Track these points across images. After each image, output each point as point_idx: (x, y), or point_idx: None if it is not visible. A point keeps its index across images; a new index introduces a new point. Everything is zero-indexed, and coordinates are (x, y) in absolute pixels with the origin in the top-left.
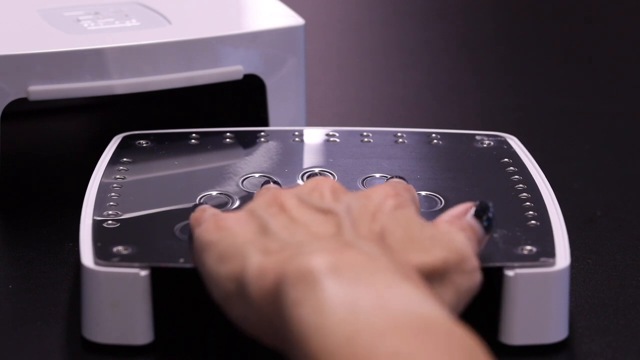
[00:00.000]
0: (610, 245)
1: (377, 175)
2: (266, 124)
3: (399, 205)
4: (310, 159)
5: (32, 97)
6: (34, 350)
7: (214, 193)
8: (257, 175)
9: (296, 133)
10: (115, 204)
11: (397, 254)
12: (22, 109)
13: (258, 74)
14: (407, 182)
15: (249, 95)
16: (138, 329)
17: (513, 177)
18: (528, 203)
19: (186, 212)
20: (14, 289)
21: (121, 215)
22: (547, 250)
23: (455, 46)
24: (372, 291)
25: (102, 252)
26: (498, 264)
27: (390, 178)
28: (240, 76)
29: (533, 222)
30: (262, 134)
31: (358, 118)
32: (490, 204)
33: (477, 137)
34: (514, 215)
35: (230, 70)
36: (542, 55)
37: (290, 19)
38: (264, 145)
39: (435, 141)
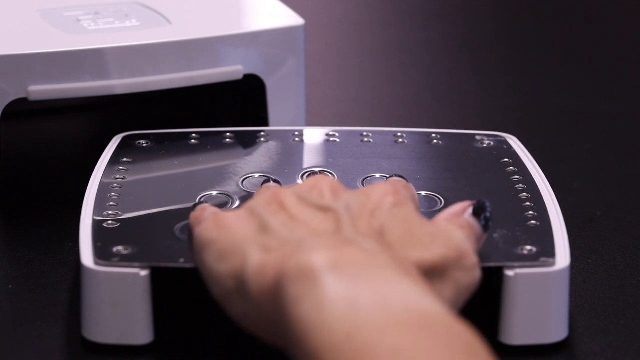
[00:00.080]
0: (610, 245)
1: (377, 175)
2: (266, 124)
3: (398, 202)
4: (310, 159)
5: (32, 97)
6: (34, 350)
7: (214, 193)
8: (257, 175)
9: (296, 133)
10: (115, 204)
11: (397, 251)
12: (22, 109)
13: (258, 74)
14: (406, 180)
15: (249, 95)
16: (138, 329)
17: (513, 177)
18: (528, 203)
19: (186, 212)
20: (14, 289)
21: (121, 215)
22: (547, 250)
23: (455, 46)
24: (372, 288)
25: (102, 252)
26: (498, 264)
27: (390, 177)
28: (240, 76)
29: (533, 222)
30: (262, 134)
31: (358, 118)
32: (488, 203)
33: (477, 137)
34: (514, 215)
35: (230, 70)
36: (542, 55)
37: (290, 19)
38: (264, 145)
39: (435, 141)
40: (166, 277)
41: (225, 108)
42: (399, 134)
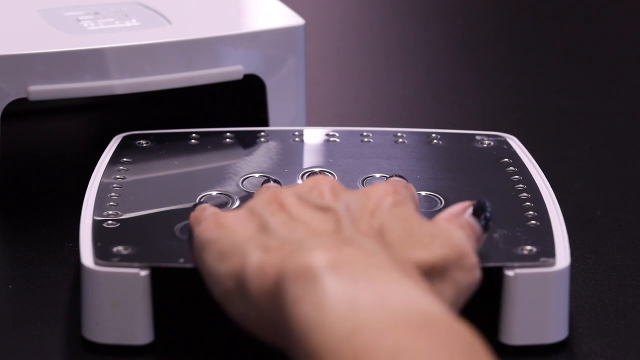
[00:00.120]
0: (610, 245)
1: (377, 175)
2: (266, 124)
3: (398, 202)
4: (310, 159)
5: (32, 97)
6: (34, 350)
7: (214, 193)
8: (257, 175)
9: (296, 133)
10: (115, 204)
11: (397, 250)
12: (22, 109)
13: (258, 74)
14: (406, 180)
15: (249, 95)
16: (138, 329)
17: (513, 177)
18: (528, 203)
19: (186, 212)
20: (14, 289)
21: (121, 215)
22: (547, 250)
23: (455, 46)
24: (371, 287)
25: (102, 252)
26: (498, 264)
27: (389, 177)
28: (240, 76)
29: (533, 222)
30: (262, 134)
31: (358, 118)
32: (488, 203)
33: (477, 137)
34: (514, 215)
35: (230, 70)
36: (542, 55)
37: (290, 19)
38: (264, 145)
39: (435, 141)
40: (166, 277)
41: (225, 108)
42: (399, 134)
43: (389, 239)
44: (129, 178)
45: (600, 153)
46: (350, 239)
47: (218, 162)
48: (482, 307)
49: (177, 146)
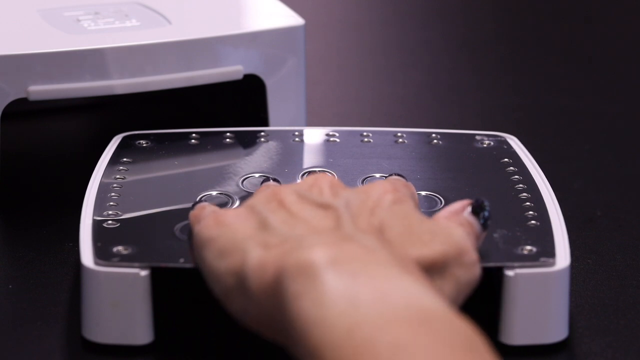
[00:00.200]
0: (610, 245)
1: (377, 175)
2: (266, 124)
3: (398, 200)
4: (310, 159)
5: (32, 97)
6: (34, 350)
7: (214, 193)
8: (257, 175)
9: (296, 133)
10: (115, 204)
11: (397, 248)
12: (22, 109)
13: (258, 74)
14: (405, 179)
15: (249, 95)
16: (138, 329)
17: (513, 177)
18: (528, 203)
19: (186, 212)
20: (14, 289)
21: (121, 215)
22: (547, 250)
23: (455, 46)
24: (372, 284)
25: (102, 252)
26: (498, 264)
27: (389, 176)
28: (240, 76)
29: (533, 222)
30: (262, 134)
31: (358, 118)
32: (486, 202)
33: (477, 137)
34: (514, 215)
35: (230, 70)
36: (542, 55)
37: (290, 19)
38: (264, 145)
39: (435, 141)
40: (166, 277)
41: (225, 108)
42: (399, 134)
43: (388, 236)
44: (129, 178)
45: (600, 153)
46: (350, 236)
47: (218, 162)
48: (482, 307)
49: (177, 146)
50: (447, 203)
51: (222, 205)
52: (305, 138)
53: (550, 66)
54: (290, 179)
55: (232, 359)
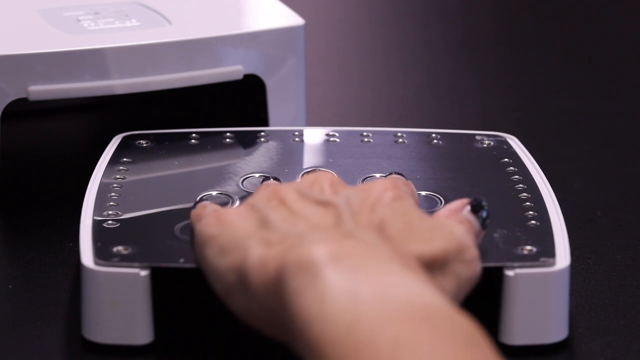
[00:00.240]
0: (610, 245)
1: (377, 175)
2: (266, 124)
3: (398, 197)
4: (310, 159)
5: (32, 97)
6: (34, 350)
7: (214, 193)
8: (257, 175)
9: (296, 133)
10: (115, 204)
11: (397, 244)
12: (22, 109)
13: (258, 74)
14: (405, 178)
15: (249, 95)
16: (138, 329)
17: (513, 177)
18: (528, 203)
19: (186, 212)
20: (14, 289)
21: (121, 215)
22: (547, 250)
23: (455, 46)
24: (372, 280)
25: (102, 252)
26: (498, 264)
27: (388, 174)
28: (240, 76)
29: (533, 222)
30: (262, 134)
31: (358, 118)
32: (485, 201)
33: (477, 137)
34: (514, 215)
35: (230, 70)
36: (542, 55)
37: (290, 19)
38: (264, 145)
39: (435, 141)
40: (166, 277)
41: (225, 108)
42: (399, 134)
43: (389, 233)
44: (129, 178)
45: (600, 153)
46: (351, 232)
47: (218, 162)
48: (482, 307)
49: (177, 146)
50: (447, 203)
51: (222, 205)
52: (305, 138)
53: (550, 66)
54: (290, 179)
55: (232, 359)
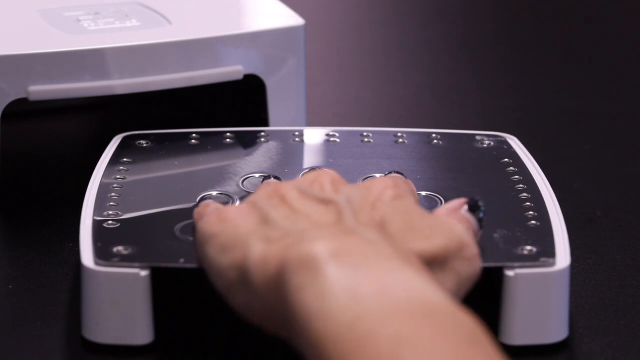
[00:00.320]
0: (610, 245)
1: (377, 175)
2: (266, 124)
3: (398, 195)
4: (310, 159)
5: (32, 97)
6: (34, 350)
7: (214, 193)
8: (257, 175)
9: (296, 133)
10: (115, 204)
11: (398, 241)
12: (22, 109)
13: (258, 74)
14: (405, 177)
15: (249, 95)
16: (138, 329)
17: (513, 177)
18: (528, 203)
19: (186, 212)
20: (14, 289)
21: (121, 215)
22: (547, 250)
23: (455, 46)
24: (373, 276)
25: (102, 252)
26: (498, 264)
27: (388, 173)
28: (240, 76)
29: (533, 222)
30: (262, 134)
31: (358, 118)
32: (481, 201)
33: (477, 137)
34: (514, 215)
35: (230, 70)
36: (542, 55)
37: (290, 19)
38: (264, 145)
39: (435, 141)
40: (166, 277)
41: (225, 108)
42: (399, 134)
43: (389, 230)
44: (129, 178)
45: (600, 153)
46: (351, 229)
47: (218, 162)
48: (482, 307)
49: (177, 146)
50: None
51: (223, 205)
52: (305, 138)
53: (550, 66)
54: (291, 179)
55: (232, 359)
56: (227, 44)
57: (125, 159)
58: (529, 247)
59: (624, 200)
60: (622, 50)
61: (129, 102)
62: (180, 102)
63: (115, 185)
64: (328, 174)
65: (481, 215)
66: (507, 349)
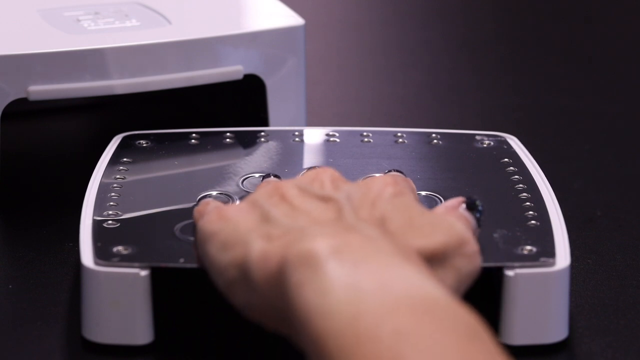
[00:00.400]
0: (610, 245)
1: (377, 175)
2: (266, 124)
3: (398, 193)
4: (310, 159)
5: (32, 97)
6: (34, 350)
7: (214, 193)
8: (257, 175)
9: (296, 133)
10: (115, 204)
11: (398, 239)
12: (22, 109)
13: (258, 74)
14: (405, 175)
15: (249, 95)
16: (138, 329)
17: (513, 177)
18: (528, 203)
19: (186, 212)
20: (14, 289)
21: (121, 215)
22: (547, 250)
23: (455, 46)
24: (374, 272)
25: (102, 252)
26: (498, 264)
27: (387, 172)
28: (240, 76)
29: (533, 222)
30: (262, 134)
31: (358, 118)
32: (479, 200)
33: (477, 137)
34: (514, 215)
35: (230, 70)
36: (542, 55)
37: (290, 19)
38: (264, 145)
39: (435, 141)
40: (166, 277)
41: (225, 108)
42: (399, 134)
43: (390, 228)
44: (129, 178)
45: (600, 153)
46: (352, 226)
47: (218, 162)
48: (482, 307)
49: (177, 146)
50: None
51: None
52: (305, 138)
53: (550, 66)
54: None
55: (232, 359)
56: (227, 44)
57: (125, 159)
58: (529, 247)
59: (624, 200)
60: (622, 50)
61: (129, 102)
62: (180, 102)
63: (115, 185)
64: (328, 172)
65: (479, 214)
66: (507, 349)
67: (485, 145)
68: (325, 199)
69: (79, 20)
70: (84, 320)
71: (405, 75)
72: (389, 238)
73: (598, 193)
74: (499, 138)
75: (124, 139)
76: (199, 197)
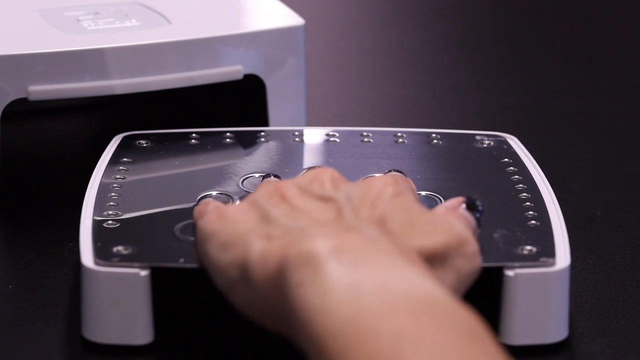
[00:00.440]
0: (610, 245)
1: (377, 175)
2: (266, 124)
3: (398, 193)
4: (310, 159)
5: (32, 97)
6: (34, 350)
7: (214, 193)
8: (257, 175)
9: (296, 133)
10: (115, 204)
11: (398, 238)
12: (22, 109)
13: (258, 74)
14: (404, 175)
15: (249, 95)
16: (138, 329)
17: (513, 177)
18: (528, 203)
19: (186, 212)
20: (14, 289)
21: (121, 215)
22: (547, 250)
23: (455, 46)
24: (374, 272)
25: (102, 252)
26: (498, 264)
27: (387, 172)
28: (240, 76)
29: (533, 222)
30: (262, 134)
31: (358, 118)
32: (478, 200)
33: (477, 137)
34: (514, 215)
35: (230, 70)
36: (542, 55)
37: (290, 19)
38: (264, 145)
39: (435, 141)
40: (166, 277)
41: (225, 108)
42: (399, 134)
43: (390, 228)
44: (129, 178)
45: (600, 153)
46: (352, 226)
47: (218, 162)
48: (482, 307)
49: (177, 146)
50: None
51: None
52: (305, 138)
53: (550, 66)
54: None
55: (232, 359)
56: (227, 44)
57: (125, 159)
58: (529, 247)
59: (624, 200)
60: (622, 50)
61: (129, 102)
62: (180, 102)
63: (115, 185)
64: (328, 172)
65: (479, 214)
66: (507, 349)
67: (485, 145)
68: (325, 199)
69: (79, 20)
70: (84, 320)
71: (405, 75)
72: (389, 238)
73: (598, 193)
74: (499, 138)
75: (124, 139)
76: (199, 197)
